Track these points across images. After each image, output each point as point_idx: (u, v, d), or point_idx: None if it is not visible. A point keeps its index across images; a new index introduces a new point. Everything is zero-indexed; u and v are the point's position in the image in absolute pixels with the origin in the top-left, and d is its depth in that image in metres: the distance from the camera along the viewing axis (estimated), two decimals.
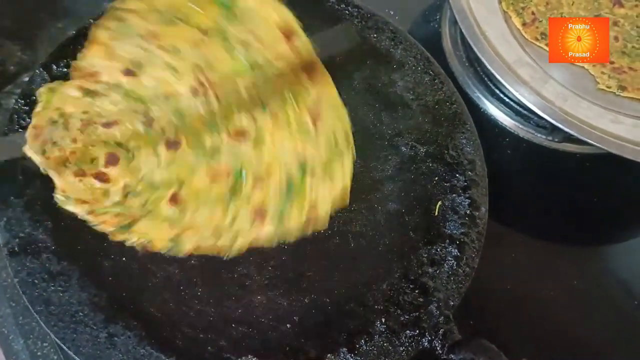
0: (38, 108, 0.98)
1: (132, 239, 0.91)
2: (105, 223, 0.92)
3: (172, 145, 1.00)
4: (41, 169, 0.95)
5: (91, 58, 1.04)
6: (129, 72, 1.04)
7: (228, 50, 1.05)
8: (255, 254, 0.98)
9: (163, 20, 1.07)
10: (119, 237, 0.91)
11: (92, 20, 1.12)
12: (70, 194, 0.94)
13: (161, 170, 0.98)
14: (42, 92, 0.99)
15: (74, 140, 0.98)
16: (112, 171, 0.98)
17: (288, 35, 1.05)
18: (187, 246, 0.92)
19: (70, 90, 1.01)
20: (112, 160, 0.98)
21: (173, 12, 1.08)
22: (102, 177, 0.97)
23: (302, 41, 1.05)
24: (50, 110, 0.98)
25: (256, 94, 1.02)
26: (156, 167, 0.98)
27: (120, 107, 1.01)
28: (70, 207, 0.93)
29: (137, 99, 1.02)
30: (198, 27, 1.06)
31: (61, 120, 0.98)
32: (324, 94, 1.02)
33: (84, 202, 0.93)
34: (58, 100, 0.99)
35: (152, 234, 0.92)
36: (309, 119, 1.00)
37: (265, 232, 0.94)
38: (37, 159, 0.94)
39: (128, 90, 1.02)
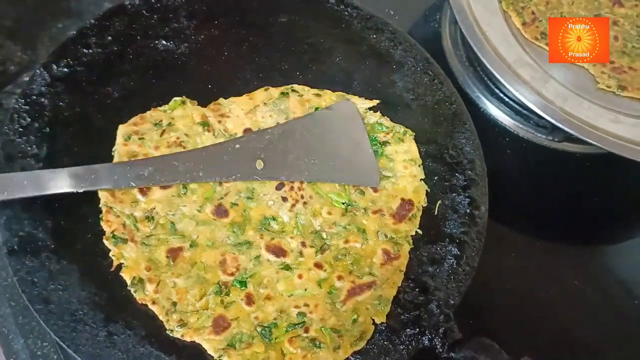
0: None
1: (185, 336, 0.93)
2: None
3: (221, 212, 1.03)
4: None
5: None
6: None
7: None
8: None
9: None
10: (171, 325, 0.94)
11: (92, 21, 1.13)
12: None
13: (190, 222, 1.02)
14: None
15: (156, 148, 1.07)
16: (157, 192, 1.03)
17: (407, 204, 1.07)
18: None
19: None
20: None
21: None
22: (144, 189, 1.02)
23: (413, 223, 1.06)
24: None
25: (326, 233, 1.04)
26: (189, 217, 1.02)
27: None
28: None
29: None
30: None
31: None
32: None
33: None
34: None
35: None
36: (344, 295, 0.99)
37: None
38: None
39: None
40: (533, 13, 1.32)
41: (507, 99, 1.30)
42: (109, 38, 1.14)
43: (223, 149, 1.07)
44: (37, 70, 1.07)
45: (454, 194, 1.09)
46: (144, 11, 1.18)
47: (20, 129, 1.02)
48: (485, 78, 1.32)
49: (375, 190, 1.08)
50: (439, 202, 1.08)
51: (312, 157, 1.08)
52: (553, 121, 1.14)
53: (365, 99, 1.17)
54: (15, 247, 0.92)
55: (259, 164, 1.05)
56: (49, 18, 1.33)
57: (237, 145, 1.07)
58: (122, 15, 1.16)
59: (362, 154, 1.10)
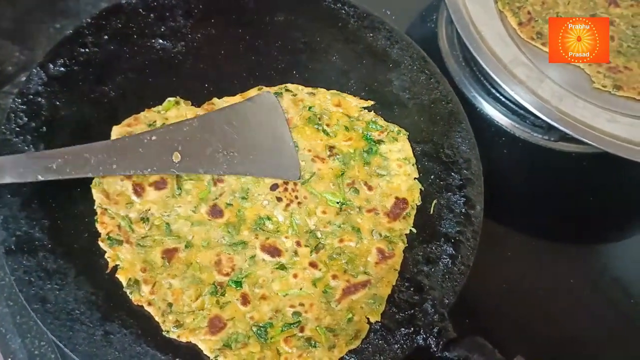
0: None
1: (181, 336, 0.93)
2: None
3: (215, 213, 1.03)
4: None
5: None
6: None
7: (336, 179, 1.09)
8: None
9: (307, 116, 1.14)
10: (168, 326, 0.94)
11: (89, 20, 1.14)
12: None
13: (185, 223, 1.02)
14: None
15: None
16: (152, 193, 1.03)
17: (401, 203, 1.08)
18: None
19: None
20: (160, 184, 1.04)
21: (323, 113, 1.14)
22: (138, 190, 1.02)
23: (407, 222, 1.07)
24: None
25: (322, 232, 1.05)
26: (184, 218, 1.02)
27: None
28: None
29: None
30: (332, 142, 1.12)
31: None
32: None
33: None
34: None
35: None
36: (339, 294, 0.99)
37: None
38: None
39: None
40: (529, 13, 1.32)
41: (503, 99, 1.30)
42: (106, 37, 1.14)
43: (139, 140, 1.04)
44: (34, 70, 1.07)
45: (449, 193, 1.09)
46: (140, 10, 1.18)
47: (17, 129, 1.02)
48: (482, 78, 1.32)
49: (370, 188, 1.08)
50: (435, 201, 1.08)
51: (231, 150, 1.07)
52: (549, 120, 1.14)
53: (361, 98, 1.18)
54: (12, 246, 0.93)
55: (176, 157, 1.04)
56: (47, 18, 1.33)
57: (154, 137, 1.04)
58: (119, 14, 1.17)
59: (282, 147, 1.10)
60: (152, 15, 1.18)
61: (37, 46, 1.30)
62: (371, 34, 1.24)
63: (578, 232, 1.31)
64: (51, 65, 1.08)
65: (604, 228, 1.34)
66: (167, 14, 1.19)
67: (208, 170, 1.05)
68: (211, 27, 1.21)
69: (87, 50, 1.12)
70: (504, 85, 1.18)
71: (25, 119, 1.03)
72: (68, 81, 1.08)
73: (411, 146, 1.14)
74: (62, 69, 1.09)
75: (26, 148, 1.01)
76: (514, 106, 1.29)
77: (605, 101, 1.23)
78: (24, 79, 1.12)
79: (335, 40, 1.23)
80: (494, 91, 1.31)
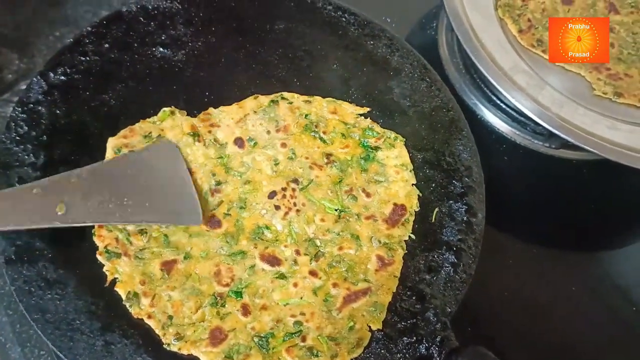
0: None
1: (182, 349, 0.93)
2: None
3: (214, 223, 1.03)
4: None
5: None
6: (241, 143, 1.11)
7: (334, 186, 1.08)
8: None
9: (304, 123, 1.14)
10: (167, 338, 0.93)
11: (89, 28, 1.14)
12: None
13: (183, 234, 1.01)
14: None
15: None
16: None
17: (399, 209, 1.08)
18: None
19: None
20: None
21: (319, 121, 1.14)
22: None
23: (406, 228, 1.07)
24: None
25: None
26: (182, 229, 1.02)
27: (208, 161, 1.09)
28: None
29: (228, 168, 1.08)
30: (329, 150, 1.12)
31: None
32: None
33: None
34: None
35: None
36: (340, 302, 0.99)
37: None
38: None
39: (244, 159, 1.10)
40: (529, 20, 1.32)
41: (503, 106, 1.30)
42: (106, 45, 1.14)
43: (21, 194, 0.97)
44: (34, 79, 1.07)
45: (451, 201, 1.09)
46: (141, 18, 1.18)
47: (17, 138, 1.02)
48: (482, 85, 1.32)
49: (368, 195, 1.08)
50: (436, 209, 1.08)
51: (124, 199, 1.01)
52: (549, 127, 1.14)
53: (361, 106, 1.18)
54: (13, 256, 0.93)
55: (61, 209, 0.96)
56: (46, 26, 1.33)
57: (36, 190, 0.96)
58: (119, 22, 1.17)
59: (182, 193, 1.05)
60: (152, 23, 1.18)
61: (37, 54, 1.30)
62: (371, 42, 1.24)
63: (578, 240, 1.30)
64: (51, 74, 1.08)
65: (604, 235, 1.34)
66: (168, 22, 1.19)
67: (97, 220, 0.99)
68: (212, 36, 1.21)
69: (87, 58, 1.12)
70: (504, 93, 1.18)
71: (26, 127, 1.03)
72: (68, 90, 1.08)
73: (412, 154, 1.13)
74: (62, 77, 1.09)
75: (26, 157, 1.00)
76: (514, 113, 1.29)
77: (606, 108, 1.23)
78: (24, 87, 1.12)
79: (335, 48, 1.23)
80: (494, 98, 1.31)
